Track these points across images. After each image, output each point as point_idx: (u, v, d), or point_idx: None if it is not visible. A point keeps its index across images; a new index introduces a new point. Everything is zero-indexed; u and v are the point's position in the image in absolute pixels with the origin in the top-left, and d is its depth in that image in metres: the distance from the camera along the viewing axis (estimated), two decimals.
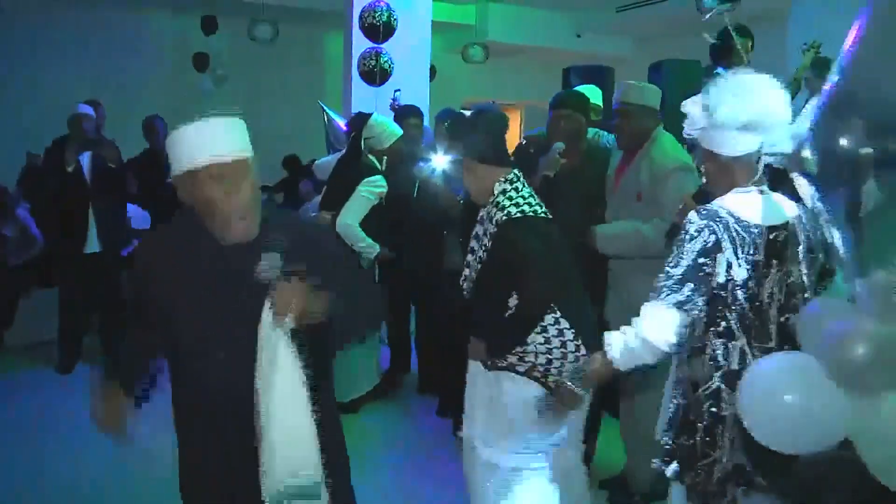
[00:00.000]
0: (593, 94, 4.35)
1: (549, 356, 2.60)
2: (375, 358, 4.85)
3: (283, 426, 1.82)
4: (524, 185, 2.66)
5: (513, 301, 2.60)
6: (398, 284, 4.95)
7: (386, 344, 5.27)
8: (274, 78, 9.16)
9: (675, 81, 5.16)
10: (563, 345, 2.59)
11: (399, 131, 4.54)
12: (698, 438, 2.11)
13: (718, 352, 2.09)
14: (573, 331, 2.59)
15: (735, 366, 2.06)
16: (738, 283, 2.05)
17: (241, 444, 1.86)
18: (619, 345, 2.14)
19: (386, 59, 5.81)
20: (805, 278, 2.12)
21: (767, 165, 2.16)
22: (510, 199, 2.60)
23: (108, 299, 5.39)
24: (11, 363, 5.49)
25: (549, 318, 2.59)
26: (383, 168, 4.50)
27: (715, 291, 2.06)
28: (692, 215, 2.09)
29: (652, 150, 3.28)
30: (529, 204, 2.62)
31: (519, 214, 2.57)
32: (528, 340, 2.59)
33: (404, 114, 5.00)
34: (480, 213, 2.72)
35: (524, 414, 2.61)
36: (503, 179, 2.63)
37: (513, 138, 5.80)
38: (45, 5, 8.36)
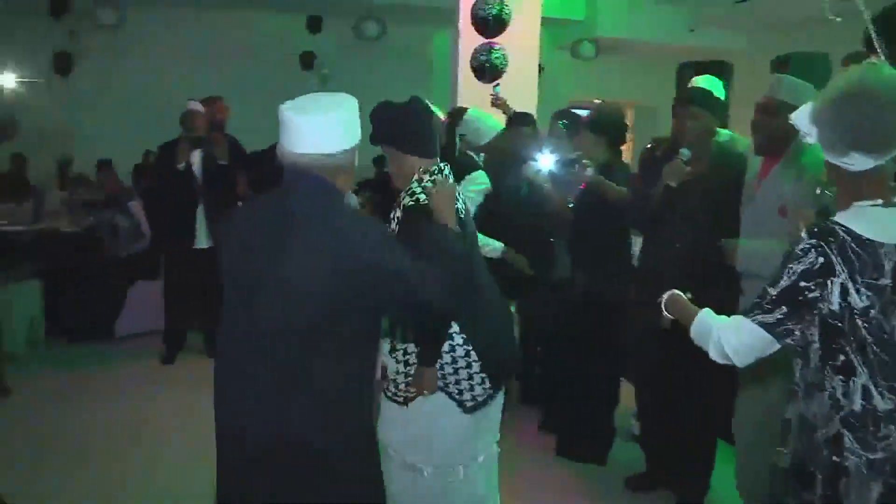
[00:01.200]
0: (715, 87, 3.88)
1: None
2: None
3: None
4: (446, 178, 2.54)
5: None
6: (503, 290, 4.80)
7: None
8: (380, 76, 9.14)
9: (803, 77, 4.78)
10: (452, 349, 2.53)
11: (498, 126, 4.32)
12: (818, 493, 1.81)
13: (838, 390, 1.78)
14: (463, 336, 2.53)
15: (857, 406, 1.76)
16: (856, 311, 1.74)
17: None
18: (705, 323, 1.95)
19: (498, 54, 5.62)
20: None
21: None
22: (424, 188, 2.47)
23: (213, 295, 5.45)
24: (119, 353, 5.68)
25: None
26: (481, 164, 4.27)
27: (829, 321, 1.76)
28: (804, 232, 1.79)
29: (801, 156, 2.85)
30: None
31: (427, 202, 2.40)
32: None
33: (517, 121, 4.78)
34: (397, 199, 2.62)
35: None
36: (423, 169, 2.54)
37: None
38: (160, 10, 8.64)
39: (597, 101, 9.95)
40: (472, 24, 5.60)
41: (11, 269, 5.56)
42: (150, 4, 8.60)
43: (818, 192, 2.29)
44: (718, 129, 3.42)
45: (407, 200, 2.48)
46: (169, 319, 5.59)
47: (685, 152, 3.26)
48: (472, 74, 5.85)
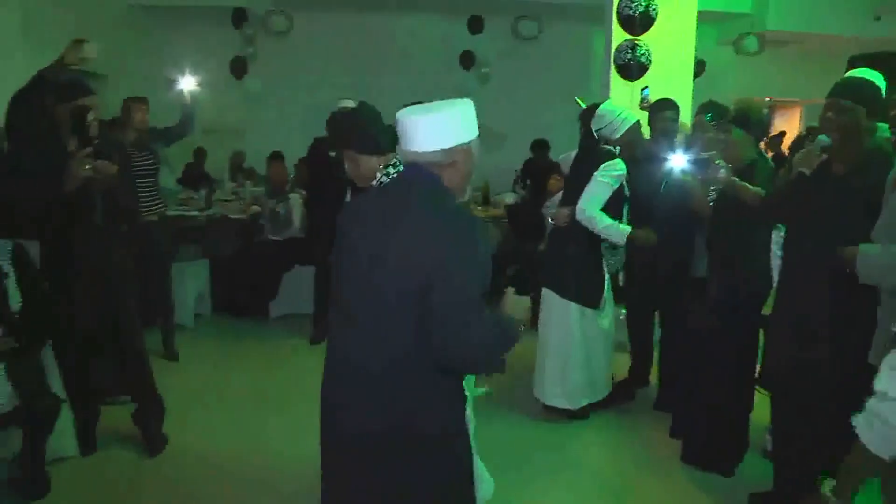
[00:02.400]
0: (876, 80, 3.65)
1: None
2: (609, 366, 4.62)
3: None
4: None
5: None
6: (644, 288, 4.72)
7: (627, 352, 5.02)
8: (538, 74, 9.17)
9: None
10: None
11: (633, 118, 4.26)
12: None
13: None
14: None
15: None
16: None
17: None
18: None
19: (643, 51, 5.52)
20: None
21: None
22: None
23: None
24: (273, 332, 6.16)
25: None
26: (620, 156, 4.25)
27: None
28: None
29: None
30: None
31: None
32: None
33: (658, 106, 4.69)
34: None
35: None
36: (383, 166, 2.70)
37: (790, 140, 5.23)
38: (326, 15, 9.13)
39: (767, 99, 9.49)
40: (619, 22, 5.53)
41: (185, 249, 6.14)
42: (317, 11, 9.09)
43: None
44: (878, 125, 3.13)
45: None
46: (318, 302, 5.93)
47: (822, 138, 3.02)
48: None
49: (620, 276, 4.89)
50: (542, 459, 4.02)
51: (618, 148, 4.27)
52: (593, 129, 4.26)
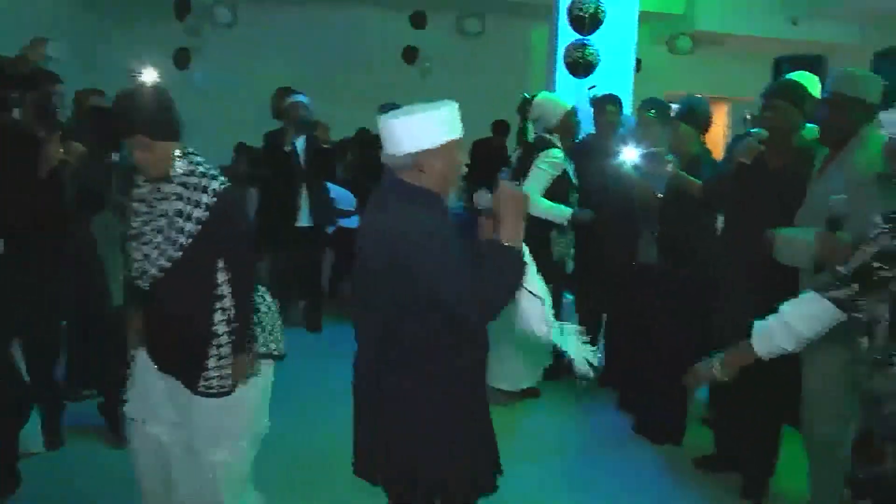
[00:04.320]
0: (809, 83, 3.91)
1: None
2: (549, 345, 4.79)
3: None
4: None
5: (222, 276, 2.61)
6: (591, 275, 4.99)
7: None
8: (480, 70, 9.36)
9: None
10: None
11: (567, 105, 4.49)
12: (890, 466, 1.94)
13: None
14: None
15: None
16: None
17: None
18: (760, 327, 2.09)
19: (591, 51, 5.78)
20: None
21: None
22: (208, 168, 2.56)
23: (313, 270, 5.97)
24: None
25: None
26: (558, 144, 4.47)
27: None
28: (878, 217, 1.94)
29: (855, 153, 2.87)
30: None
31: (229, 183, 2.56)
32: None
33: (601, 101, 4.97)
34: (144, 189, 2.61)
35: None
36: (181, 152, 2.56)
37: (716, 136, 5.55)
38: (270, 8, 9.13)
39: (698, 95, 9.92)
40: (569, 22, 5.77)
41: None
42: (262, 4, 9.09)
43: (833, 198, 2.38)
44: (806, 124, 3.45)
45: (214, 184, 2.52)
46: (273, 293, 5.97)
47: (759, 131, 3.37)
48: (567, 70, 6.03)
49: (569, 263, 5.11)
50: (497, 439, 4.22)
51: (556, 135, 4.48)
52: (530, 119, 4.48)
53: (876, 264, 1.89)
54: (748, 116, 3.91)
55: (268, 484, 3.11)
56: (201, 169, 2.55)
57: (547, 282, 4.43)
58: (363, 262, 2.15)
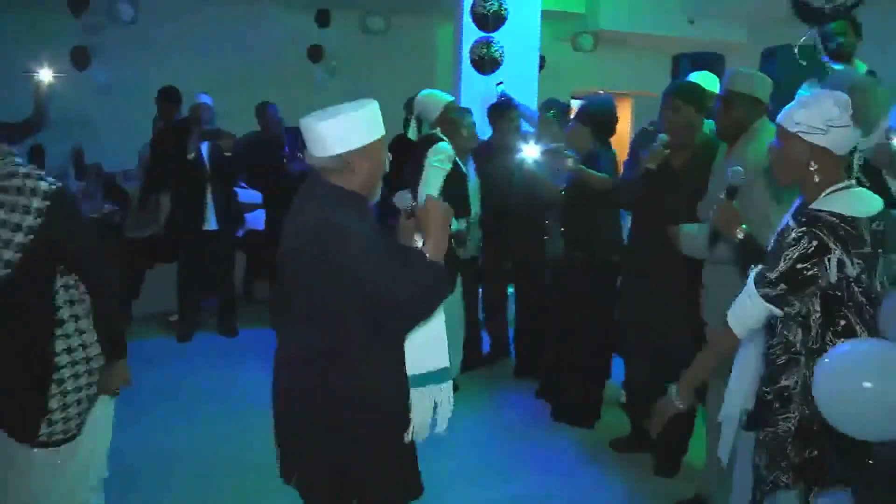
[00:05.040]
0: (708, 82, 4.16)
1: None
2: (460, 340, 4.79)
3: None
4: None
5: (63, 297, 2.34)
6: (498, 270, 5.15)
7: (485, 329, 5.44)
8: (385, 69, 9.36)
9: (789, 69, 4.97)
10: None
11: (446, 99, 4.52)
12: (826, 449, 2.06)
13: None
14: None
15: None
16: (852, 279, 2.01)
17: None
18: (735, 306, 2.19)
19: (496, 48, 5.87)
20: None
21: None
22: (31, 169, 2.28)
23: (223, 274, 5.91)
24: (137, 332, 5.85)
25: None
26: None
27: (829, 292, 2.03)
28: (790, 222, 2.07)
29: (749, 145, 3.04)
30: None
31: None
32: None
33: (502, 109, 5.10)
34: None
35: None
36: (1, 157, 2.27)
37: (622, 131, 5.73)
38: (173, 5, 8.89)
39: (601, 91, 10.20)
40: (473, 20, 5.84)
41: None
42: (163, 0, 8.83)
43: (729, 172, 2.50)
44: (704, 121, 3.61)
45: (44, 186, 2.23)
46: (181, 297, 5.89)
47: (663, 137, 3.50)
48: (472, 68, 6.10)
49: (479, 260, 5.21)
50: None
51: (438, 130, 4.47)
52: (413, 117, 4.55)
53: (799, 266, 2.01)
54: (650, 127, 4.08)
55: (180, 496, 3.03)
56: (23, 170, 2.23)
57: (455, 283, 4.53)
58: (287, 266, 2.11)
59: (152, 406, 4.42)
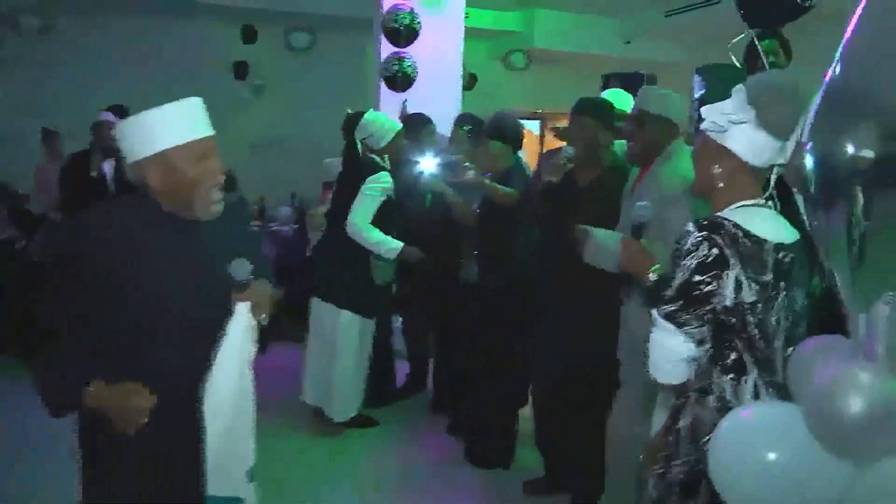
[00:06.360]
0: (621, 100, 3.97)
1: None
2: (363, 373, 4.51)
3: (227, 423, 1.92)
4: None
5: None
6: (416, 298, 4.83)
7: (405, 359, 5.15)
8: (312, 86, 9.08)
9: (721, 87, 4.81)
10: None
11: (397, 126, 4.29)
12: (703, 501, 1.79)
13: (727, 390, 1.77)
14: None
15: None
16: (747, 306, 1.74)
17: (186, 438, 1.86)
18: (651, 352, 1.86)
19: (409, 63, 5.59)
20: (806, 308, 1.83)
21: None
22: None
23: None
24: None
25: None
26: (387, 166, 4.26)
27: (721, 317, 1.75)
28: (690, 226, 1.77)
29: (663, 167, 2.85)
30: None
31: None
32: None
33: (414, 122, 4.78)
34: None
35: None
36: None
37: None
38: (90, 16, 8.49)
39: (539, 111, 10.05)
40: (384, 34, 5.58)
41: None
42: (79, 11, 8.41)
43: (635, 208, 2.28)
44: (615, 140, 3.40)
45: None
46: None
47: (568, 150, 3.27)
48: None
49: (393, 286, 4.91)
50: (326, 468, 3.99)
51: (385, 157, 4.26)
52: (357, 139, 4.24)
53: (696, 278, 1.73)
54: (554, 134, 3.89)
55: None
56: None
57: (374, 310, 4.24)
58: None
59: None
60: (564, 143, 4.21)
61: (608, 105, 3.46)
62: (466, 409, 4.25)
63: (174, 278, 1.83)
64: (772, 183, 1.88)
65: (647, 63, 8.39)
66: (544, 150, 4.43)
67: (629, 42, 9.70)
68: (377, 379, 4.62)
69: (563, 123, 9.39)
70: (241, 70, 9.05)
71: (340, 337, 4.21)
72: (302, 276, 5.74)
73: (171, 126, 1.80)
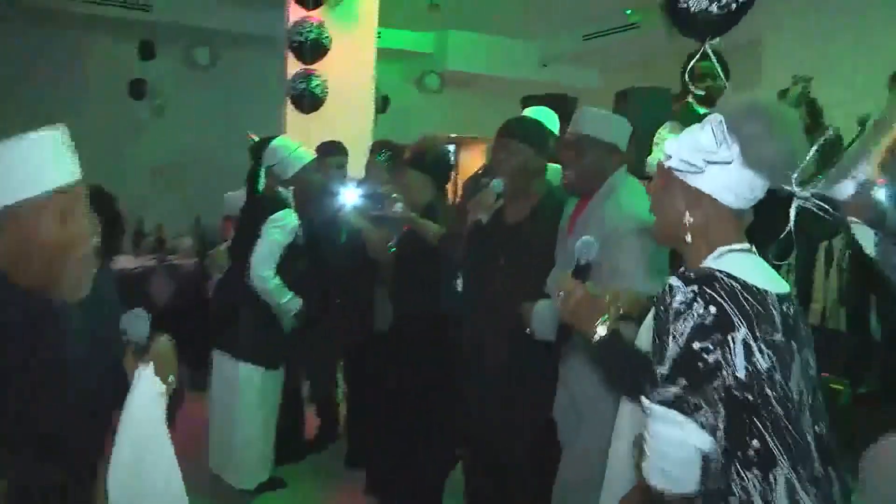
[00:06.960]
0: (548, 119, 3.61)
1: None
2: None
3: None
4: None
5: None
6: (325, 342, 4.34)
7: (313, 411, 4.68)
8: (215, 106, 8.56)
9: (643, 111, 4.62)
10: None
11: (307, 156, 3.85)
12: None
13: (753, 491, 1.32)
14: None
15: None
16: (763, 375, 1.33)
17: None
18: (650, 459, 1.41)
19: (317, 83, 5.17)
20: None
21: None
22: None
23: None
24: None
25: None
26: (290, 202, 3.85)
27: (736, 394, 1.32)
28: (673, 280, 1.37)
29: (606, 202, 2.49)
30: None
31: None
32: None
33: (325, 151, 4.34)
34: None
35: None
36: None
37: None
38: None
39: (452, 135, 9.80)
40: (289, 49, 5.15)
41: None
42: None
43: (582, 240, 1.92)
44: (548, 165, 2.98)
45: None
46: None
47: (497, 183, 2.85)
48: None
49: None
50: None
51: (291, 190, 3.83)
52: (264, 166, 3.78)
53: (696, 345, 1.32)
54: (481, 172, 3.51)
55: None
56: None
57: (279, 360, 3.79)
58: None
59: None
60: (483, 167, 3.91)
61: (540, 126, 3.05)
62: (385, 468, 3.82)
63: (42, 365, 1.46)
64: (791, 219, 1.49)
65: (565, 87, 8.27)
66: (465, 178, 4.06)
67: (546, 65, 9.61)
68: (285, 432, 4.13)
69: (482, 148, 9.21)
70: (138, 89, 8.47)
71: (240, 394, 3.71)
72: (204, 317, 5.22)
73: (19, 171, 1.34)
